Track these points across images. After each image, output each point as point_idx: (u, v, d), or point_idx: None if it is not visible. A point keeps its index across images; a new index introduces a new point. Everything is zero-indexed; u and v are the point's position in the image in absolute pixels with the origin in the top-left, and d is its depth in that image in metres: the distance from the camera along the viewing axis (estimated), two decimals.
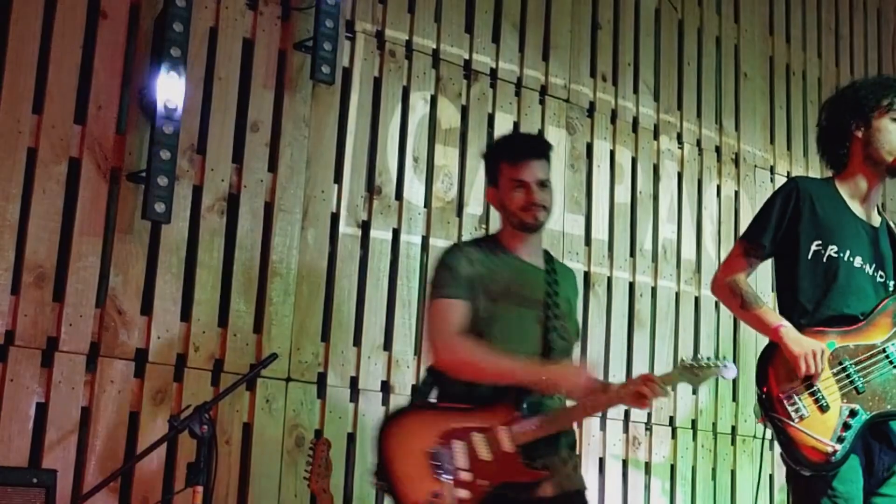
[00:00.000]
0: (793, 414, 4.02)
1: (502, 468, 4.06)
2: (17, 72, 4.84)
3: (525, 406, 4.15)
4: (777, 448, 4.17)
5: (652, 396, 4.04)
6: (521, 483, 4.09)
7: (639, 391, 4.04)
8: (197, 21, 5.24)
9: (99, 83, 5.03)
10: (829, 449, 3.98)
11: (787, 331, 4.13)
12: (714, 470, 6.85)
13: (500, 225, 4.46)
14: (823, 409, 4.05)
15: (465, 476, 4.03)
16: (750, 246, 4.38)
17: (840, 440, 4.00)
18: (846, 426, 4.03)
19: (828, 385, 4.09)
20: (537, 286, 4.38)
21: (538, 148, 4.49)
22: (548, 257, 4.54)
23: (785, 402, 4.05)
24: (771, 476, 6.96)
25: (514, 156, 4.40)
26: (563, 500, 4.20)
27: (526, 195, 4.31)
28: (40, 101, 4.89)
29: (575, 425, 4.53)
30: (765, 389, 4.11)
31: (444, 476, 4.02)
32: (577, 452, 4.43)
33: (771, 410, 4.07)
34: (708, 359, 4.03)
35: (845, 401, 4.08)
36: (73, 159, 4.94)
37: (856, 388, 4.10)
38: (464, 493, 4.01)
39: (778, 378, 4.11)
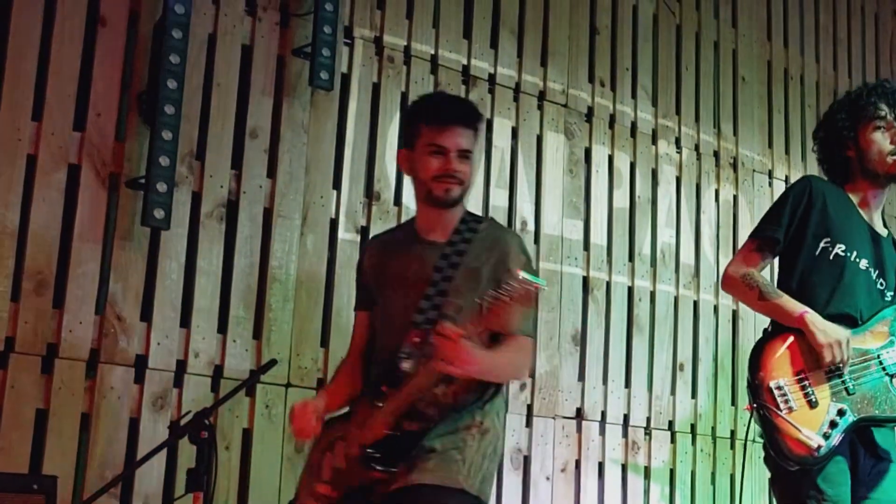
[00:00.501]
0: (781, 404, 4.09)
1: (349, 474, 3.89)
2: (16, 79, 4.84)
3: (378, 404, 3.86)
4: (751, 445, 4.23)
5: (446, 349, 3.56)
6: (361, 487, 3.86)
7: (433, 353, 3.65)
8: (196, 28, 5.23)
9: (98, 90, 5.04)
10: (814, 444, 4.04)
11: (813, 317, 4.18)
12: (713, 474, 6.86)
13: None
14: (812, 404, 4.12)
15: (322, 489, 3.93)
16: (763, 241, 4.44)
17: (826, 437, 4.07)
18: (833, 424, 4.10)
19: (819, 382, 4.16)
20: (425, 264, 4.01)
21: (467, 114, 4.09)
22: (465, 227, 4.07)
23: (775, 391, 4.11)
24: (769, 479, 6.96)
25: (436, 118, 4.01)
26: (398, 497, 3.82)
27: (442, 163, 3.94)
28: (40, 108, 4.89)
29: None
30: (756, 378, 4.16)
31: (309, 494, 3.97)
32: (477, 443, 3.93)
33: (760, 398, 4.12)
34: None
35: (835, 399, 4.15)
36: (73, 166, 4.94)
37: (846, 389, 4.17)
38: None
39: (770, 368, 4.18)
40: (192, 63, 5.20)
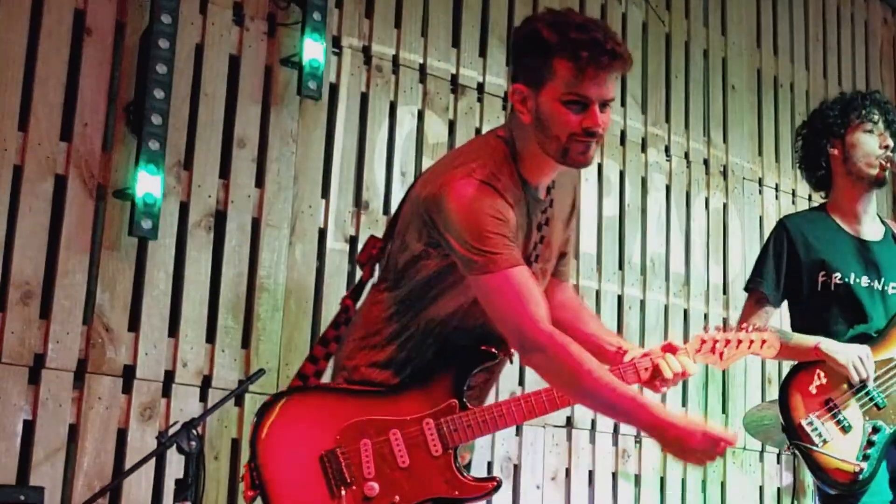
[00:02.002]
0: (815, 439, 4.11)
1: (426, 478, 3.12)
2: (2, 89, 4.83)
3: (467, 388, 3.23)
4: (766, 460, 4.21)
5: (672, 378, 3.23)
6: (457, 500, 3.15)
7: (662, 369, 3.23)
8: (183, 37, 5.23)
9: (85, 100, 5.03)
10: (856, 468, 4.06)
11: (827, 344, 4.21)
12: (704, 482, 6.85)
13: (517, 133, 3.27)
14: (846, 429, 4.13)
15: (372, 489, 3.11)
16: (756, 295, 4.47)
17: (865, 458, 4.08)
18: (870, 443, 4.12)
19: (848, 405, 4.17)
20: (531, 222, 3.29)
21: (620, 57, 3.12)
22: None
23: (807, 428, 4.13)
24: (761, 488, 6.96)
25: (586, 59, 3.05)
26: None
27: (583, 119, 3.08)
28: (26, 118, 4.89)
29: None
30: (788, 419, 4.18)
31: (340, 490, 3.09)
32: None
33: (795, 438, 4.14)
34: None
35: (867, 418, 4.16)
36: (60, 176, 4.93)
37: (876, 405, 4.18)
38: None
39: (797, 405, 4.19)
40: (179, 73, 5.20)
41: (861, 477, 4.04)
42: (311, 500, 3.09)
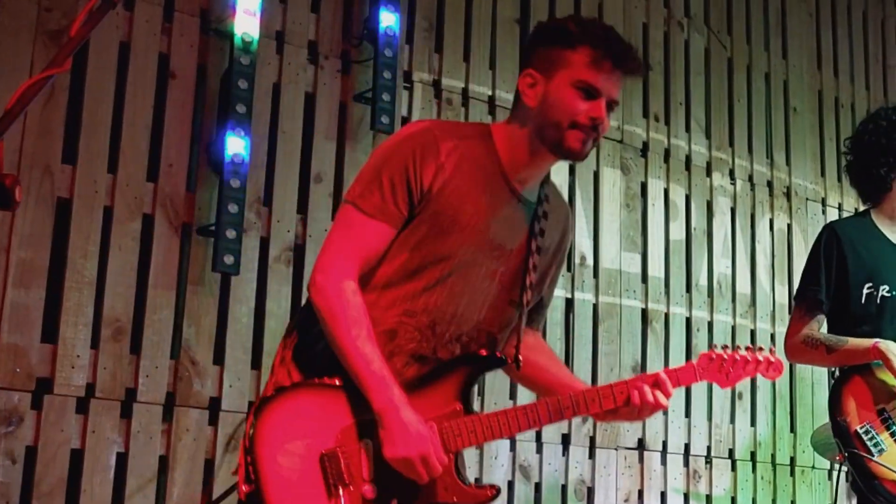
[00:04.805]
0: (872, 448, 4.06)
1: (426, 483, 2.94)
2: (92, 133, 4.99)
3: (472, 392, 3.09)
4: (835, 478, 4.20)
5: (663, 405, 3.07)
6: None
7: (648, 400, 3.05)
8: (260, 77, 5.37)
9: (169, 142, 5.17)
10: None
11: (886, 344, 4.12)
12: (774, 501, 6.90)
13: (510, 123, 3.15)
14: None
15: (370, 491, 2.93)
16: (809, 303, 4.40)
17: None
18: None
19: None
20: (517, 231, 3.14)
21: (637, 64, 3.09)
22: (546, 184, 3.25)
23: (863, 436, 4.07)
24: None
25: (606, 52, 3.00)
26: None
27: (590, 109, 2.97)
28: (115, 160, 5.03)
29: None
30: (842, 425, 4.11)
31: (338, 490, 2.92)
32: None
33: (849, 446, 4.07)
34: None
35: None
36: (147, 216, 5.08)
37: None
38: None
39: (852, 412, 4.13)
40: (257, 112, 5.34)
41: None
42: (306, 499, 2.92)
